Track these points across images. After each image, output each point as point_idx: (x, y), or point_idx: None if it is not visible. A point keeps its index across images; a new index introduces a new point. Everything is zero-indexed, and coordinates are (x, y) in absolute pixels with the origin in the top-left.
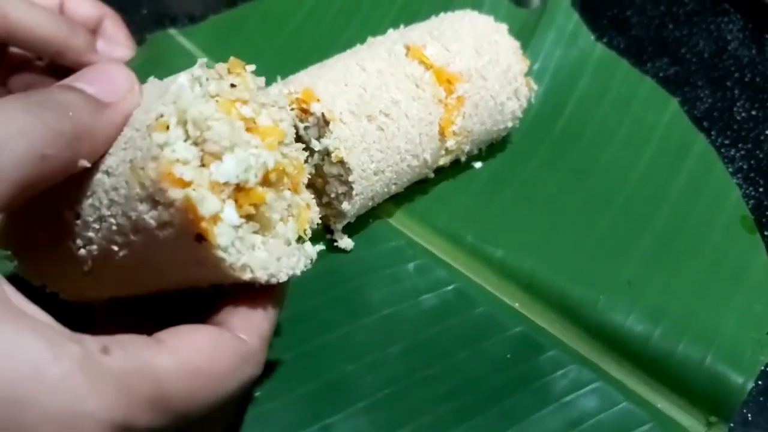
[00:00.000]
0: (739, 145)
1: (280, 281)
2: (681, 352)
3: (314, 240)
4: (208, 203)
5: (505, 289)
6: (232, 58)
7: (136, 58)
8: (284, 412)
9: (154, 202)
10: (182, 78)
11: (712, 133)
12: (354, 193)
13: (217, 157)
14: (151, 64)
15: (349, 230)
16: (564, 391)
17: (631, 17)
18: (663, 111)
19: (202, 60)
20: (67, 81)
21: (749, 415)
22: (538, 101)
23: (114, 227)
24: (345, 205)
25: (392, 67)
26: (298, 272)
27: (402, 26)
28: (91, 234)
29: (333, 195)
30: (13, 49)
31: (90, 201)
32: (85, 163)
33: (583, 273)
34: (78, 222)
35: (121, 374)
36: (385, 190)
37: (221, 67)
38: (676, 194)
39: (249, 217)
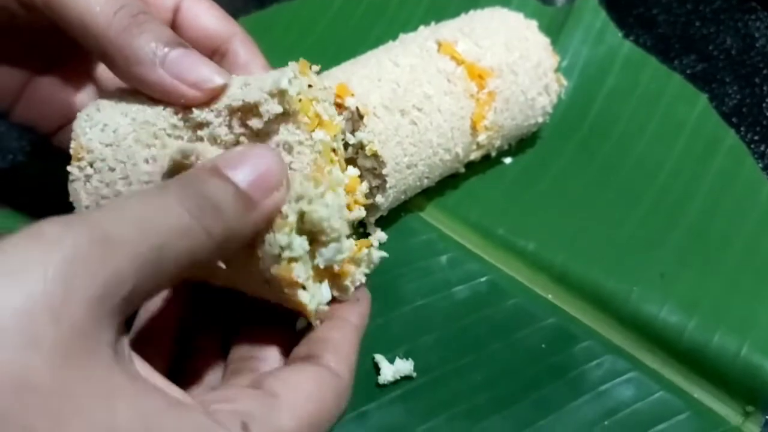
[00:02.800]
0: None
1: None
2: (716, 342)
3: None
4: (315, 300)
5: (537, 281)
6: (301, 60)
7: None
8: None
9: (267, 281)
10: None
11: (742, 129)
12: (387, 186)
13: (324, 245)
14: None
15: (382, 223)
16: (599, 380)
17: (658, 15)
18: (692, 107)
19: (294, 64)
20: (219, 163)
21: None
22: (566, 97)
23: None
24: (378, 198)
25: (424, 62)
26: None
27: (432, 23)
28: None
29: (366, 188)
30: None
31: None
32: (221, 266)
33: (615, 266)
34: None
35: None
36: (418, 183)
37: (293, 66)
38: (707, 188)
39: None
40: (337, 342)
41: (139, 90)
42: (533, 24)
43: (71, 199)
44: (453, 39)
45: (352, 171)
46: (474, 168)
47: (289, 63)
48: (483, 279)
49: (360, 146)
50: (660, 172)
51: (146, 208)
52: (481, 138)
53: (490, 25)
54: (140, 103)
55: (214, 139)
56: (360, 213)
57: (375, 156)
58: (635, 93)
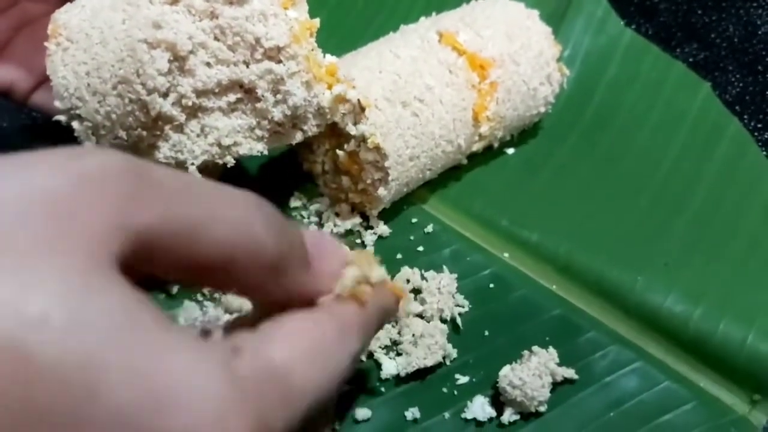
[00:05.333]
0: None
1: None
2: (722, 331)
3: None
4: None
5: (541, 272)
6: None
7: None
8: None
9: None
10: None
11: (745, 117)
12: (390, 178)
13: None
14: None
15: (385, 216)
16: (604, 371)
17: (659, 3)
18: (694, 95)
19: None
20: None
21: None
22: (568, 87)
23: None
24: (381, 191)
25: (425, 53)
26: None
27: (433, 14)
28: None
29: (369, 181)
30: None
31: None
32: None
33: (619, 255)
34: None
35: (254, 380)
36: (420, 175)
37: None
38: (711, 177)
39: None
40: None
41: None
42: (534, 13)
43: (48, 72)
44: (454, 29)
45: (330, 58)
46: (476, 159)
47: None
48: (487, 272)
49: (362, 139)
50: (663, 160)
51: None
52: (483, 129)
53: (492, 14)
54: None
55: (188, 11)
56: (342, 88)
57: (377, 149)
58: (637, 82)
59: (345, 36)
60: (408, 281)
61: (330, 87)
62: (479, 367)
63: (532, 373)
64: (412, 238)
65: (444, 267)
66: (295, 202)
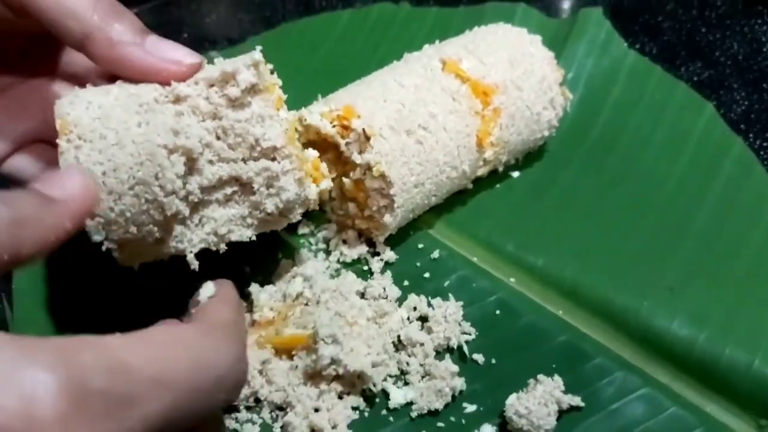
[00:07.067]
0: None
1: None
2: (728, 355)
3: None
4: None
5: (547, 297)
6: (256, 55)
7: None
8: None
9: None
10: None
11: (750, 135)
12: (395, 205)
13: None
14: None
15: (391, 242)
16: (611, 398)
17: (663, 22)
18: (698, 115)
19: (259, 48)
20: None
21: None
22: (572, 110)
23: None
24: (387, 218)
25: (429, 81)
26: None
27: (436, 42)
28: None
29: (375, 208)
30: None
31: None
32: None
33: (624, 279)
34: None
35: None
36: (425, 201)
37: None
38: (715, 198)
39: None
40: None
41: (114, 77)
42: (537, 39)
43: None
44: (457, 57)
45: (312, 152)
46: (482, 183)
47: (256, 50)
48: (493, 298)
49: (367, 167)
50: (667, 182)
51: None
52: (488, 154)
53: (494, 41)
54: (118, 86)
55: (193, 112)
56: (328, 183)
57: (382, 176)
58: (641, 103)
59: (351, 61)
60: (414, 308)
61: (315, 181)
62: (487, 396)
63: (538, 402)
64: (418, 264)
65: (450, 295)
66: (303, 229)
